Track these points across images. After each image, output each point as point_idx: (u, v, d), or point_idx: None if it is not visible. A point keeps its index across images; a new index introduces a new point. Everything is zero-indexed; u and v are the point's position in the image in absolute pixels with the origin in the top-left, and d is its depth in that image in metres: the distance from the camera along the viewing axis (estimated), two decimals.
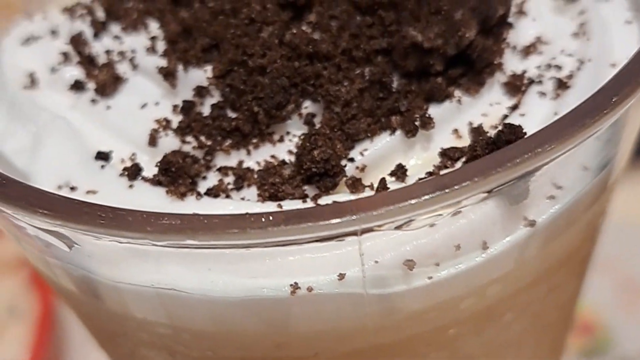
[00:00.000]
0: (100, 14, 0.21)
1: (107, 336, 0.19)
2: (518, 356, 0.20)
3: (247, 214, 0.14)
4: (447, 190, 0.14)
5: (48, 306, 0.45)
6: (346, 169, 0.17)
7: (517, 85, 0.18)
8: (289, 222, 0.14)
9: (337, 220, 0.14)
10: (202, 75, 0.18)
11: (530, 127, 0.16)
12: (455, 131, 0.18)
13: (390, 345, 0.17)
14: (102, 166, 0.17)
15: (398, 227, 0.15)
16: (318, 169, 0.16)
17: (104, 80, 0.19)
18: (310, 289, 0.15)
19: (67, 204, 0.14)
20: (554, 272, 0.18)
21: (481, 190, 0.14)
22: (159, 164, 0.17)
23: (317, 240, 0.15)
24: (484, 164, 0.15)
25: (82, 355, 0.52)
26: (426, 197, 0.14)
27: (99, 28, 0.21)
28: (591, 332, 0.52)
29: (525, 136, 0.15)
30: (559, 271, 0.19)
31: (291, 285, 0.15)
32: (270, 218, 0.14)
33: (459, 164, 0.17)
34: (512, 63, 0.19)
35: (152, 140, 0.17)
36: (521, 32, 0.19)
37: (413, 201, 0.14)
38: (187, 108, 0.18)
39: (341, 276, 0.15)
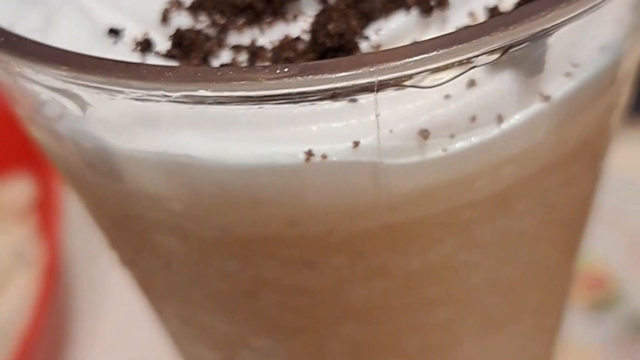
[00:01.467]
0: None
1: (118, 225, 0.19)
2: (532, 253, 0.20)
3: (261, 65, 0.14)
4: (465, 43, 0.14)
5: (56, 253, 0.45)
6: (361, 47, 0.17)
7: None
8: (304, 73, 0.14)
9: (355, 71, 0.14)
10: None
11: None
12: (471, 14, 0.18)
13: (405, 226, 0.17)
14: (115, 42, 0.17)
15: (415, 86, 0.15)
16: (332, 44, 0.16)
17: None
18: (324, 157, 0.15)
19: (83, 57, 0.14)
20: (568, 161, 0.18)
21: (499, 44, 0.14)
22: (172, 37, 0.16)
23: (332, 97, 0.14)
24: (502, 19, 0.15)
25: (90, 303, 0.52)
26: (445, 49, 0.14)
27: None
28: (601, 286, 0.52)
29: None
30: (573, 161, 0.18)
31: (305, 152, 0.15)
32: (286, 70, 0.14)
33: None
34: None
35: (165, 19, 0.17)
36: None
37: (432, 53, 0.14)
38: None
39: (355, 144, 0.15)
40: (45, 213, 0.51)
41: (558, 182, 0.18)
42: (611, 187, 0.55)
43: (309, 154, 0.15)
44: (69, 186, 0.20)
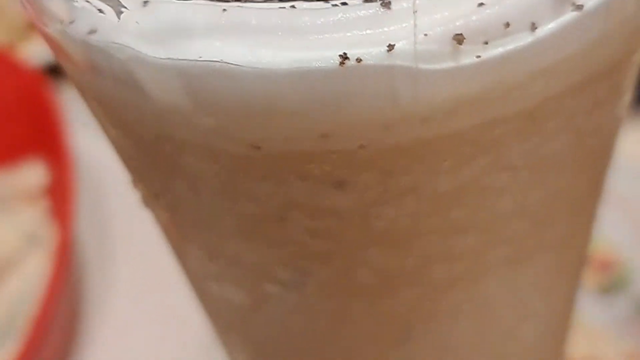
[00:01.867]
0: None
1: (147, 151, 0.19)
2: (559, 180, 0.20)
3: None
4: None
5: (68, 235, 0.45)
6: None
7: None
8: None
9: None
10: None
11: None
12: None
13: (436, 141, 0.17)
14: None
15: None
16: None
17: None
18: (359, 60, 0.15)
19: None
20: (598, 81, 0.18)
21: None
22: None
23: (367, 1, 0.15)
24: None
25: (101, 286, 0.52)
26: None
27: None
28: (609, 269, 0.52)
29: None
30: (602, 82, 0.18)
31: (340, 55, 0.15)
32: None
33: None
34: None
35: None
36: None
37: None
38: None
39: (390, 47, 0.15)
40: (57, 196, 0.51)
41: (586, 105, 0.18)
42: (619, 175, 0.56)
43: (344, 57, 0.15)
44: (95, 116, 0.20)
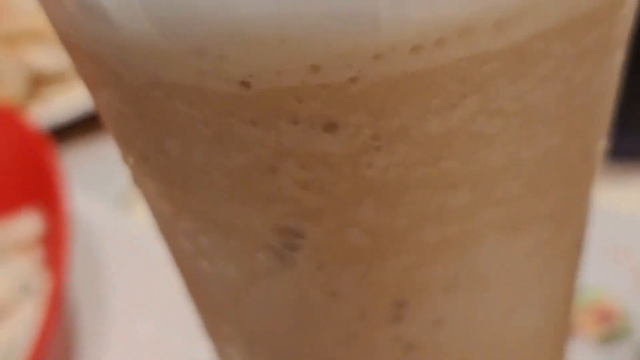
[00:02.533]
0: None
1: (138, 103, 0.19)
2: (552, 137, 0.20)
3: None
4: None
5: (60, 283, 0.45)
6: None
7: None
8: None
9: None
10: None
11: None
12: None
13: (425, 76, 0.17)
14: None
15: None
16: None
17: None
18: None
19: None
20: (584, 28, 0.18)
21: None
22: None
23: None
24: None
25: (93, 336, 0.51)
26: None
27: None
28: (610, 319, 0.52)
29: None
30: (589, 30, 0.19)
31: None
32: None
33: None
34: None
35: None
36: None
37: None
38: None
39: None
40: (50, 246, 0.51)
41: (574, 53, 0.18)
42: (620, 226, 0.56)
43: None
44: (89, 85, 0.20)
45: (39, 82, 0.76)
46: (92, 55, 0.19)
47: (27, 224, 0.53)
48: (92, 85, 0.20)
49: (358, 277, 0.21)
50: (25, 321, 0.49)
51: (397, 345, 0.22)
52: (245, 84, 0.17)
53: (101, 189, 0.65)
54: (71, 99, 0.72)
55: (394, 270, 0.20)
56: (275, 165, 0.18)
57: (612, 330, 0.53)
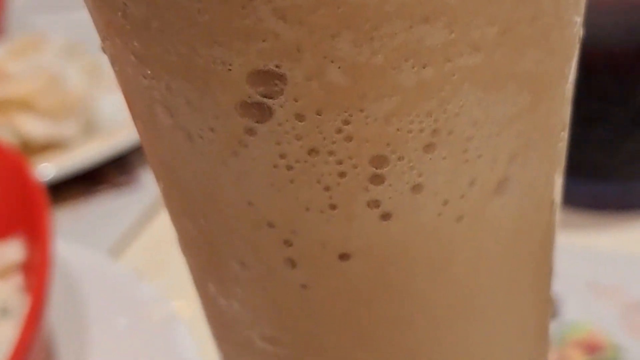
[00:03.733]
0: None
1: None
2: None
3: None
4: None
5: (38, 307, 0.44)
6: None
7: None
8: None
9: None
10: None
11: None
12: None
13: None
14: None
15: None
16: None
17: None
18: None
19: None
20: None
21: None
22: None
23: None
24: None
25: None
26: None
27: None
28: (600, 350, 0.52)
29: None
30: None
31: None
32: None
33: None
34: None
35: None
36: None
37: None
38: None
39: None
40: (31, 273, 0.50)
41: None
42: (604, 265, 0.56)
43: None
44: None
45: (26, 150, 0.76)
46: None
47: (10, 251, 0.52)
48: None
49: (338, 129, 0.20)
50: (4, 341, 0.48)
51: (375, 214, 0.21)
52: None
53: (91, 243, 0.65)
54: (60, 163, 0.72)
55: (374, 120, 0.20)
56: None
57: (602, 358, 0.52)
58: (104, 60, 0.75)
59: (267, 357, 0.25)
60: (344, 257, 0.22)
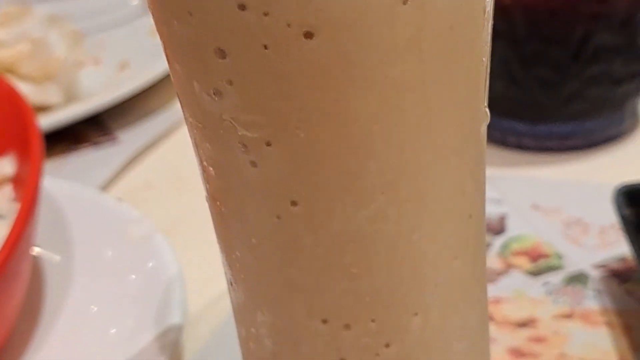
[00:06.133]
0: None
1: None
2: None
3: None
4: None
5: (28, 209, 0.47)
6: None
7: None
8: None
9: None
10: None
11: None
12: None
13: None
14: None
15: None
16: None
17: None
18: None
19: None
20: None
21: None
22: None
23: None
24: None
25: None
26: None
27: None
28: (543, 258, 0.55)
29: None
30: None
31: None
32: None
33: None
34: None
35: None
36: None
37: None
38: None
39: None
40: (22, 184, 0.53)
41: None
42: (548, 191, 0.61)
43: None
44: None
45: None
46: None
47: (3, 166, 0.55)
48: None
49: None
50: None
51: None
52: None
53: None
54: (42, 122, 0.75)
55: None
56: None
57: (545, 265, 0.56)
58: (86, 31, 0.78)
59: (246, 144, 0.28)
60: (307, 35, 0.26)
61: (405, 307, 0.31)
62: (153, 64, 0.87)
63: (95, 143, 0.80)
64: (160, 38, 0.29)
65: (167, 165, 0.75)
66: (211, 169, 0.31)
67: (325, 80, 0.27)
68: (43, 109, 0.82)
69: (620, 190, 0.51)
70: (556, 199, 0.63)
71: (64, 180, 0.63)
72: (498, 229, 0.61)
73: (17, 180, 0.55)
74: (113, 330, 0.49)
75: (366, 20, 0.26)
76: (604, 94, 0.66)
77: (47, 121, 0.77)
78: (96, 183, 0.71)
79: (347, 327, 0.31)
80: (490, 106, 0.68)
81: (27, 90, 0.80)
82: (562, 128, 0.68)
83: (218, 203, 0.31)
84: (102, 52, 0.98)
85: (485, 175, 0.33)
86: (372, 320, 0.31)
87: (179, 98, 0.30)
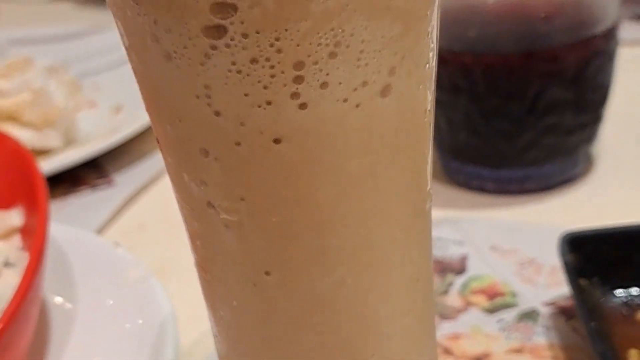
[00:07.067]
0: None
1: None
2: None
3: None
4: None
5: (37, 258, 0.52)
6: None
7: None
8: None
9: None
10: None
11: None
12: None
13: None
14: None
15: None
16: None
17: None
18: None
19: None
20: None
21: None
22: None
23: None
24: None
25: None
26: None
27: None
28: (500, 296, 0.60)
29: None
30: None
31: None
32: None
33: None
34: None
35: None
36: None
37: None
38: None
39: None
40: (30, 235, 0.58)
41: None
42: (505, 233, 0.66)
43: None
44: None
45: None
46: None
47: (12, 218, 0.60)
48: None
49: (271, 44, 0.29)
50: (9, 286, 0.55)
51: (295, 104, 0.30)
52: None
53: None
54: (43, 167, 0.80)
55: (295, 36, 0.29)
56: None
57: (500, 303, 0.61)
58: (83, 80, 0.83)
59: (227, 225, 0.34)
60: (276, 141, 0.31)
61: (364, 355, 0.36)
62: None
63: (93, 186, 0.85)
64: (156, 136, 0.35)
65: (160, 206, 0.81)
66: (198, 242, 0.36)
67: (291, 175, 0.32)
68: (43, 153, 0.87)
69: (564, 237, 0.56)
70: (513, 241, 0.68)
71: (64, 225, 0.68)
72: (459, 268, 0.66)
73: (24, 231, 0.60)
74: None
75: (324, 128, 0.31)
76: (557, 142, 0.72)
77: (48, 166, 0.82)
78: (94, 225, 0.76)
79: None
80: (455, 153, 0.74)
81: (29, 136, 0.85)
82: (520, 172, 0.74)
83: (204, 270, 0.37)
84: (97, 94, 1.03)
85: (432, 242, 0.38)
86: None
87: (171, 182, 0.36)
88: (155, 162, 0.85)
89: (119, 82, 1.02)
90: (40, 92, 0.84)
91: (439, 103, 0.34)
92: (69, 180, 0.84)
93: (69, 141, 0.88)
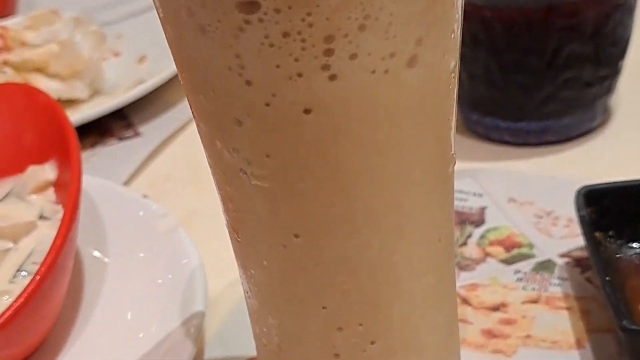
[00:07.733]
0: None
1: None
2: None
3: None
4: None
5: (71, 211, 0.53)
6: None
7: None
8: None
9: None
10: None
11: None
12: None
13: None
14: None
15: None
16: None
17: None
18: None
19: None
20: None
21: None
22: None
23: None
24: None
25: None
26: None
27: None
28: (516, 247, 0.61)
29: None
30: None
31: None
32: None
33: None
34: None
35: None
36: None
37: None
38: None
39: None
40: (62, 188, 0.59)
41: None
42: (523, 185, 0.67)
43: None
44: None
45: None
46: None
47: (46, 172, 0.61)
48: None
49: (302, 19, 0.30)
50: (46, 238, 0.57)
51: (326, 76, 0.31)
52: None
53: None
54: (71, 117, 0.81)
55: (326, 11, 0.30)
56: None
57: (517, 254, 0.62)
58: (108, 31, 0.83)
59: (258, 191, 0.35)
60: (307, 111, 0.32)
61: (387, 313, 0.38)
62: (169, 56, 0.92)
63: (120, 138, 0.86)
64: (190, 105, 0.36)
65: (186, 157, 0.82)
66: (230, 205, 0.37)
67: (320, 144, 0.33)
68: (70, 104, 0.88)
69: (580, 191, 0.57)
70: (530, 193, 0.69)
71: (95, 177, 0.69)
72: (478, 220, 0.67)
73: (57, 184, 0.61)
74: (144, 318, 0.56)
75: (353, 99, 0.32)
76: (576, 95, 0.72)
77: (75, 117, 0.83)
78: (122, 176, 0.77)
79: (340, 329, 0.37)
80: (475, 105, 0.75)
81: (56, 87, 0.86)
82: (539, 125, 0.74)
83: (235, 232, 0.38)
84: (121, 43, 1.03)
85: (454, 202, 0.39)
86: (360, 324, 0.37)
87: (204, 148, 0.37)
88: (181, 112, 0.85)
89: (142, 31, 1.02)
90: (66, 43, 0.84)
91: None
92: (96, 132, 0.85)
93: (95, 92, 0.89)
